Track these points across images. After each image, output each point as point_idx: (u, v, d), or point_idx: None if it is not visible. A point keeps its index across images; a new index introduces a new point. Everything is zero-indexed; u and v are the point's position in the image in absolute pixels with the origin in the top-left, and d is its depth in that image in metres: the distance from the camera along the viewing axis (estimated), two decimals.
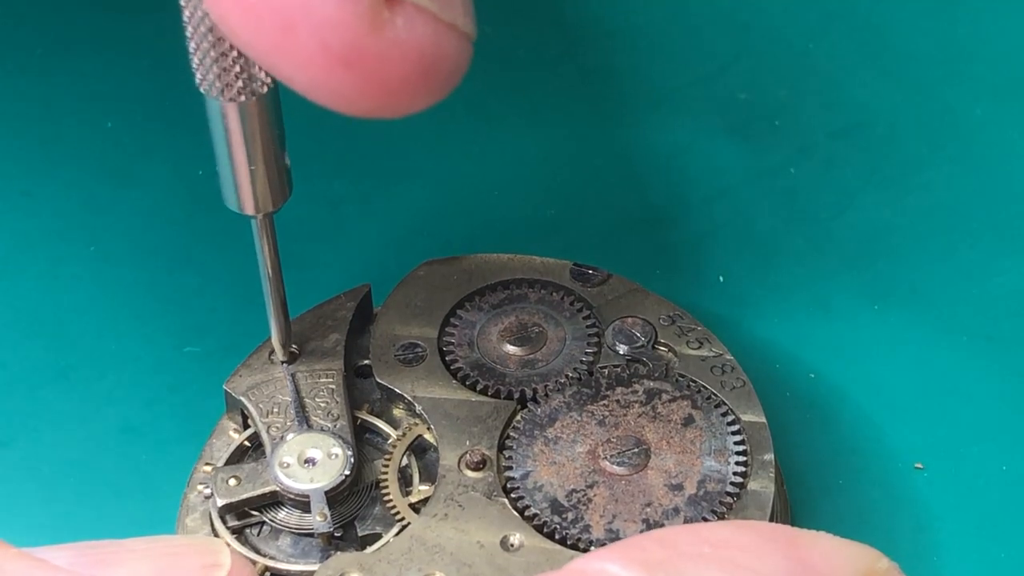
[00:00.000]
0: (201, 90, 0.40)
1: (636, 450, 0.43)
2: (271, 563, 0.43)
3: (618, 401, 0.44)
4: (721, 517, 0.42)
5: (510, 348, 0.46)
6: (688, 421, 0.44)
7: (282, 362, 0.46)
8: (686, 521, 0.42)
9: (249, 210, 0.42)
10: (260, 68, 0.39)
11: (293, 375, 0.46)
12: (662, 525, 0.42)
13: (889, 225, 0.54)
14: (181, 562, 0.36)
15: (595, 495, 0.43)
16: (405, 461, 0.44)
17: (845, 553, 0.33)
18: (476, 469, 0.43)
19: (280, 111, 0.41)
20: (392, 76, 0.35)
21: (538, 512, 0.42)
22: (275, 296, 0.45)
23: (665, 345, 0.46)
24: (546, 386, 0.45)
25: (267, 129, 0.40)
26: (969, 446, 0.49)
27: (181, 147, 0.57)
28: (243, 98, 0.39)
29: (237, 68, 0.39)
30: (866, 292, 0.53)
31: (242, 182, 0.41)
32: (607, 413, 0.44)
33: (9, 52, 0.60)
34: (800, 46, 0.60)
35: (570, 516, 0.42)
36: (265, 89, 0.39)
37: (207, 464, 0.46)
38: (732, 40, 0.60)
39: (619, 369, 0.45)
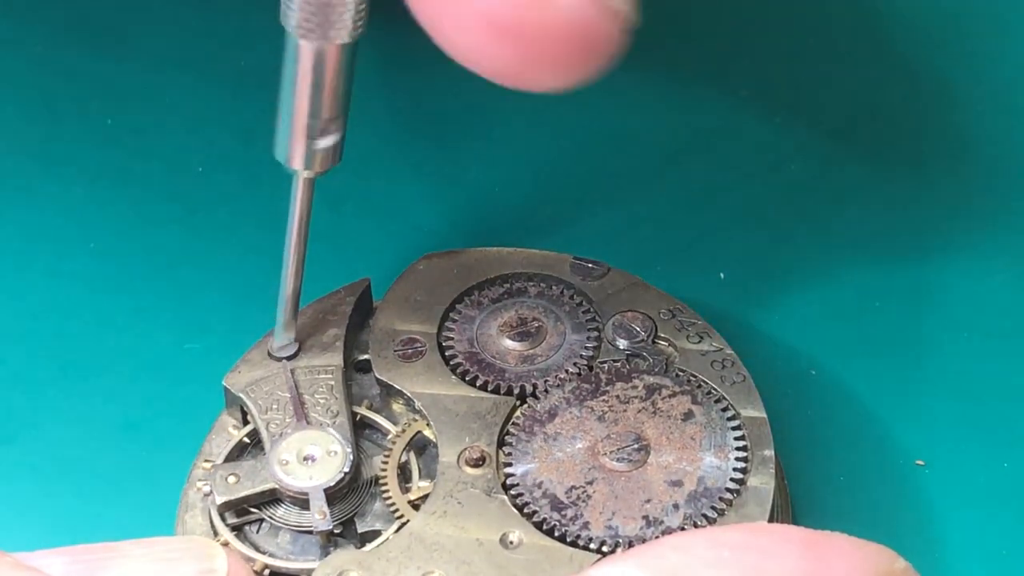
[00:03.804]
0: (283, 24, 0.39)
1: (636, 446, 0.43)
2: (270, 560, 0.43)
3: (618, 397, 0.44)
4: (721, 514, 0.42)
5: (509, 343, 0.46)
6: (688, 416, 0.44)
7: (281, 358, 0.46)
8: (686, 518, 0.42)
9: (297, 164, 0.42)
10: (345, 17, 0.39)
11: (292, 371, 0.46)
12: (662, 522, 0.42)
13: (890, 222, 0.54)
14: (177, 567, 0.36)
15: (595, 492, 0.42)
16: (404, 457, 0.44)
17: (862, 554, 0.33)
18: (475, 466, 0.43)
19: (352, 78, 0.41)
20: (551, 51, 0.35)
21: (537, 509, 0.42)
22: (294, 271, 0.44)
23: (665, 339, 0.46)
24: (546, 381, 0.45)
25: (335, 84, 0.40)
26: (970, 443, 0.49)
27: (181, 144, 0.57)
28: (321, 41, 0.39)
29: (321, 9, 0.39)
30: (867, 288, 0.53)
31: (297, 133, 0.41)
32: (607, 409, 0.44)
33: (9, 50, 0.60)
34: (801, 43, 0.60)
35: (569, 513, 0.42)
36: (343, 39, 0.39)
37: (206, 461, 0.46)
38: (733, 37, 0.60)
39: (619, 364, 0.45)
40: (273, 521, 0.44)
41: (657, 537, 0.41)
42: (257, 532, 0.44)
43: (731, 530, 0.35)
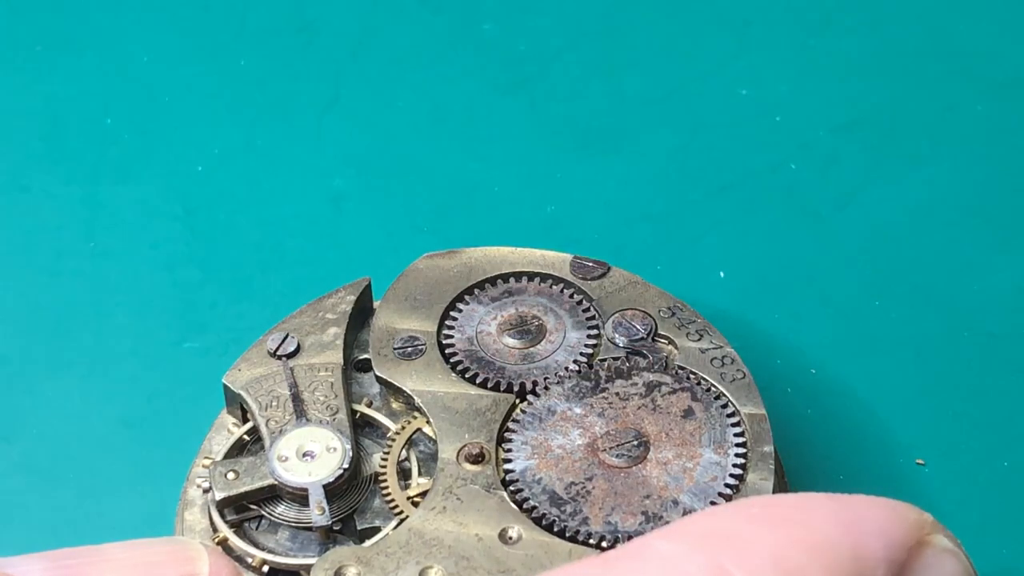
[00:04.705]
0: None
1: (635, 442, 0.43)
2: (269, 556, 0.43)
3: (617, 394, 0.44)
4: None
5: (509, 341, 0.46)
6: (688, 413, 0.44)
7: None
8: (685, 514, 0.42)
9: None
10: None
11: (292, 369, 0.46)
12: (661, 517, 0.42)
13: (890, 221, 0.54)
14: (158, 572, 0.35)
15: (594, 488, 0.42)
16: (404, 455, 0.44)
17: (890, 506, 0.33)
18: (475, 462, 0.43)
19: None
20: None
21: (537, 505, 0.42)
22: None
23: (665, 337, 0.46)
24: (545, 379, 0.45)
25: None
26: (970, 442, 0.49)
27: (180, 143, 0.57)
28: None
29: None
30: (867, 287, 0.53)
31: None
32: (606, 406, 0.44)
33: (9, 49, 0.60)
34: (801, 42, 0.60)
35: (569, 509, 0.42)
36: None
37: (206, 459, 0.45)
38: (733, 36, 0.60)
39: (619, 362, 0.45)
40: (272, 517, 0.44)
41: None
42: (256, 528, 0.44)
43: (755, 497, 0.35)
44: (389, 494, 0.43)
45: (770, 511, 0.32)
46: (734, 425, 0.44)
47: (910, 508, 0.33)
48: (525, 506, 0.42)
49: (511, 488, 0.43)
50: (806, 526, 0.31)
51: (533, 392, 0.45)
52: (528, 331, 0.46)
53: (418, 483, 0.44)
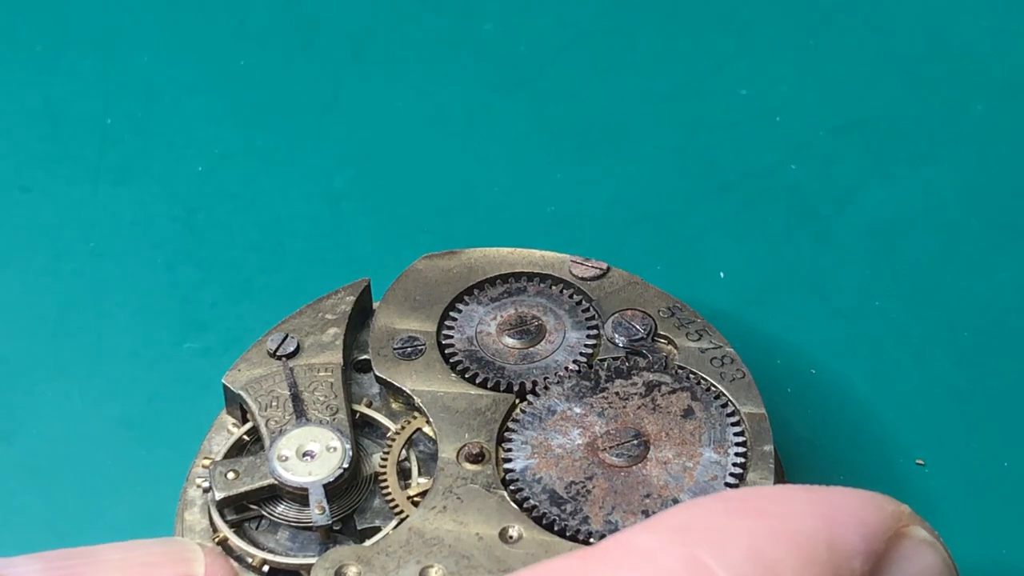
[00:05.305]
0: None
1: (635, 442, 0.43)
2: (269, 556, 0.43)
3: (617, 393, 0.44)
4: None
5: (509, 341, 0.46)
6: (688, 413, 0.44)
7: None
8: None
9: None
10: None
11: (291, 369, 0.46)
12: None
13: (890, 221, 0.54)
14: (155, 572, 0.35)
15: (594, 487, 0.42)
16: (404, 454, 0.44)
17: (868, 496, 0.33)
18: (475, 462, 0.43)
19: None
20: None
21: (537, 504, 0.42)
22: None
23: (664, 337, 0.46)
24: (545, 379, 0.45)
25: None
26: (970, 442, 0.49)
27: (180, 143, 0.57)
28: None
29: None
30: (867, 288, 0.53)
31: None
32: (606, 405, 0.44)
33: (9, 48, 0.60)
34: (801, 42, 0.60)
35: (569, 508, 0.42)
36: None
37: (206, 459, 0.45)
38: (733, 36, 0.60)
39: (618, 361, 0.45)
40: (272, 517, 0.44)
41: None
42: (256, 528, 0.44)
43: (732, 490, 0.35)
44: (389, 494, 0.43)
45: (747, 503, 0.32)
46: (734, 424, 0.44)
47: (887, 499, 0.33)
48: (525, 505, 0.42)
49: (511, 487, 0.43)
50: (783, 518, 0.31)
51: (533, 392, 0.45)
52: (528, 331, 0.46)
53: (418, 483, 0.44)
